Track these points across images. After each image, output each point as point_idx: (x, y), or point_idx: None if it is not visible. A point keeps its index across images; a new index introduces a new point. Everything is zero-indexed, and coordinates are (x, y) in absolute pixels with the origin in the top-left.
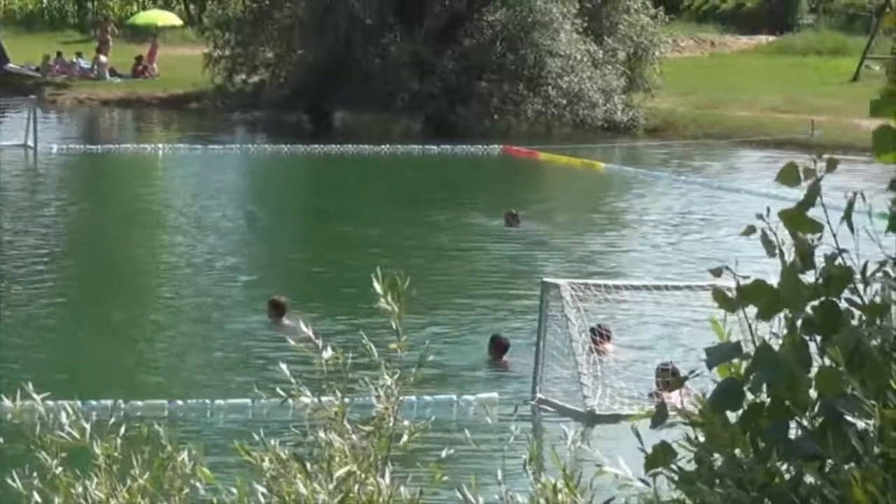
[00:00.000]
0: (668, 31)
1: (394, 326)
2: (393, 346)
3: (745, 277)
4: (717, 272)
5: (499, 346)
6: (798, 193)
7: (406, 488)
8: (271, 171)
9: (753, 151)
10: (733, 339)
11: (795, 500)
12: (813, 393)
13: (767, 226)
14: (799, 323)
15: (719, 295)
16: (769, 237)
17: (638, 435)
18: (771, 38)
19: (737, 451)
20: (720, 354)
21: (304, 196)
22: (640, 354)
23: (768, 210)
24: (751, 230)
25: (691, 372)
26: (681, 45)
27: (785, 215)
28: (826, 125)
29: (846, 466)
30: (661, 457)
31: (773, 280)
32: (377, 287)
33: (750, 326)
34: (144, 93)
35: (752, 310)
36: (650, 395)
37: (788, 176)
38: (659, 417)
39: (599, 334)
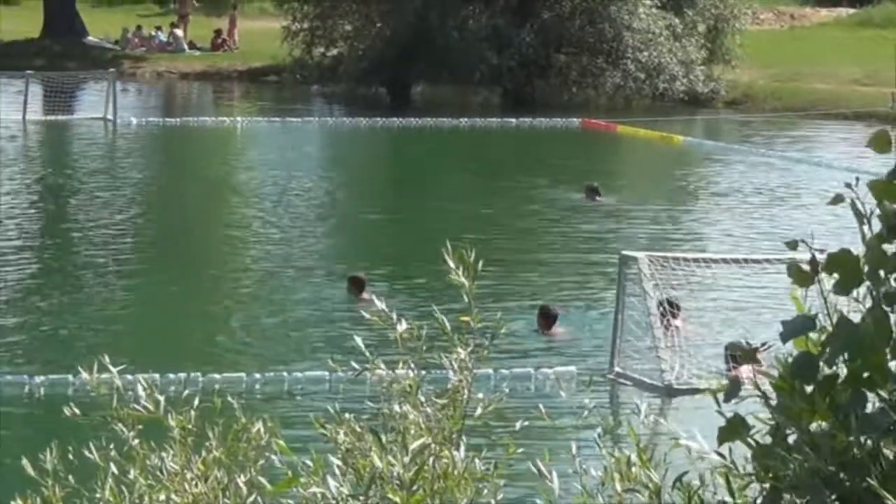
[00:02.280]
0: (748, 3)
1: (465, 299)
2: (464, 318)
3: (820, 251)
4: (792, 245)
5: (547, 317)
6: (880, 167)
7: (480, 461)
8: (350, 145)
9: (833, 124)
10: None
11: (876, 473)
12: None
13: (855, 195)
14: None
15: (795, 270)
16: (857, 206)
17: (718, 403)
18: (851, 10)
19: (813, 424)
20: (795, 328)
21: (382, 169)
22: (712, 329)
23: (857, 179)
24: (839, 199)
25: (762, 344)
26: (760, 17)
27: (874, 185)
28: None
29: None
30: (734, 430)
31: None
32: (448, 260)
33: (825, 300)
34: (223, 66)
35: (827, 285)
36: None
37: (880, 142)
38: (732, 391)
39: (676, 307)
